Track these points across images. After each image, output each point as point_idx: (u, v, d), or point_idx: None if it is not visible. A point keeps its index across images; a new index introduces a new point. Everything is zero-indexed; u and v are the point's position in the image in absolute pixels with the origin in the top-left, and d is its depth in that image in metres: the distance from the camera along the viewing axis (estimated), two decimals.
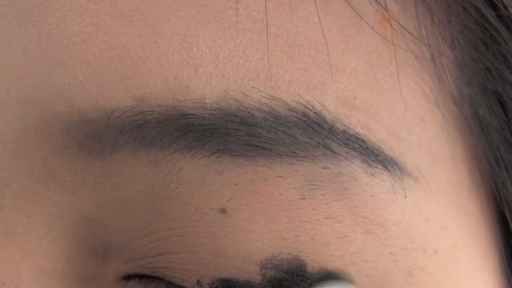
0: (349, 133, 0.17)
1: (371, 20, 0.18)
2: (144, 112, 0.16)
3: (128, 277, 0.18)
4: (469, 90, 0.19)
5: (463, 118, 0.19)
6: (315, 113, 0.16)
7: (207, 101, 0.16)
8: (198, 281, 0.17)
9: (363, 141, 0.17)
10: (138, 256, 0.18)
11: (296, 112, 0.16)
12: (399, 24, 0.18)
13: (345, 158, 0.17)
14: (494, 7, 0.19)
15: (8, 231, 0.18)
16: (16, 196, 0.18)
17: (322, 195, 0.17)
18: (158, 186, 0.17)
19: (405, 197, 0.18)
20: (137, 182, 0.17)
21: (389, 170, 0.17)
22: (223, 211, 0.17)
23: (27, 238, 0.18)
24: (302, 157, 0.16)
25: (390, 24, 0.17)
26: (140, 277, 0.18)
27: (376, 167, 0.17)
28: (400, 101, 0.18)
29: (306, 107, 0.16)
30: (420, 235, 0.18)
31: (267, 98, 0.16)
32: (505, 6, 0.18)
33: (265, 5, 0.16)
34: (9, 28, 0.17)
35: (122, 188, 0.17)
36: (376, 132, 0.17)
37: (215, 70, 0.16)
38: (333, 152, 0.16)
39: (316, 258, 0.17)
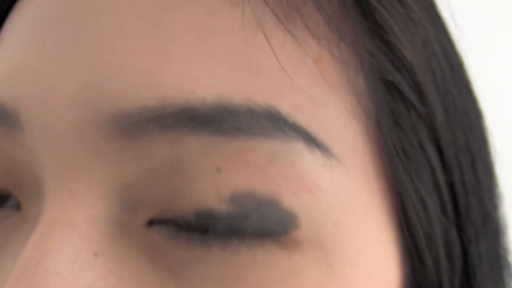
0: (296, 125, 0.25)
1: (314, 57, 0.26)
2: (164, 107, 0.23)
3: (150, 222, 0.25)
4: (375, 107, 0.27)
5: (371, 126, 0.27)
6: (275, 110, 0.24)
7: (206, 100, 0.24)
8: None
9: (305, 131, 0.25)
10: (159, 205, 0.24)
11: (264, 108, 0.24)
12: (330, 60, 0.26)
13: (294, 139, 0.24)
14: (391, 49, 0.27)
15: (71, 190, 0.24)
16: (77, 168, 0.24)
17: (281, 164, 0.24)
18: (174, 156, 0.24)
19: (331, 171, 0.25)
20: (160, 154, 0.24)
21: (321, 151, 0.25)
22: (218, 169, 0.24)
23: (84, 196, 0.24)
24: (267, 136, 0.24)
25: (321, 62, 0.26)
26: (160, 222, 0.24)
27: (313, 148, 0.25)
28: (330, 111, 0.26)
29: (270, 106, 0.24)
30: (343, 199, 0.26)
31: (246, 99, 0.24)
32: (400, 46, 0.27)
33: (245, 46, 0.25)
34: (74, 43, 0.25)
35: (149, 159, 0.24)
36: (313, 128, 0.25)
37: (211, 82, 0.24)
38: (286, 134, 0.24)
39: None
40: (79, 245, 0.24)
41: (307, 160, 0.25)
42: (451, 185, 0.29)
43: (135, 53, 0.24)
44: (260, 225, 0.24)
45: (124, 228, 0.25)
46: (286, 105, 0.25)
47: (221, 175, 0.24)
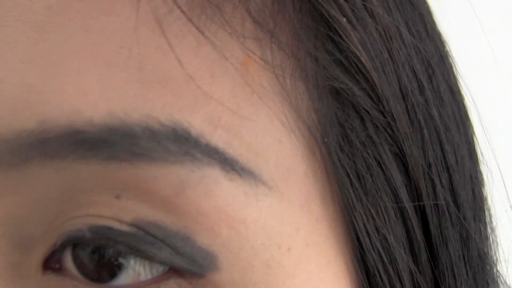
0: (210, 146, 0.21)
1: (237, 61, 0.22)
2: (45, 131, 0.20)
3: (45, 267, 0.22)
4: (320, 120, 0.23)
5: (315, 141, 0.23)
6: (182, 129, 0.20)
7: (95, 120, 0.20)
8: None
9: (222, 153, 0.21)
10: (51, 241, 0.21)
11: (167, 127, 0.20)
12: (259, 65, 0.22)
13: (208, 165, 0.21)
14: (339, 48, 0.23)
15: None
16: None
17: (192, 193, 0.20)
18: (63, 186, 0.21)
19: (258, 201, 0.21)
20: (46, 185, 0.21)
21: (243, 178, 0.21)
22: (118, 197, 0.21)
23: None
24: (173, 162, 0.20)
25: (247, 67, 0.22)
26: (54, 270, 0.22)
27: (233, 174, 0.21)
28: (260, 125, 0.22)
29: (176, 124, 0.20)
30: (275, 234, 0.22)
31: (145, 116, 0.20)
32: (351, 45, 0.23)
33: (146, 50, 0.21)
34: None
35: (35, 191, 0.21)
36: (235, 148, 0.21)
37: (102, 96, 0.20)
38: (197, 159, 0.20)
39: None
40: None
41: (226, 188, 0.21)
42: (420, 207, 0.25)
43: (14, 66, 0.21)
44: (170, 257, 0.21)
45: (18, 271, 0.22)
46: (198, 121, 0.21)
47: (121, 202, 0.21)
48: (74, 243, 0.21)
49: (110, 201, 0.21)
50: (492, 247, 0.30)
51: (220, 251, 0.21)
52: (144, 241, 0.21)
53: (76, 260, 0.22)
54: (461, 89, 0.28)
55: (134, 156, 0.20)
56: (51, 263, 0.22)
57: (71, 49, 0.21)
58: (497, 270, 0.30)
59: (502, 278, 0.30)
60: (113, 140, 0.20)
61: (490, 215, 0.30)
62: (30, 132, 0.20)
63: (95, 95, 0.20)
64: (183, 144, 0.20)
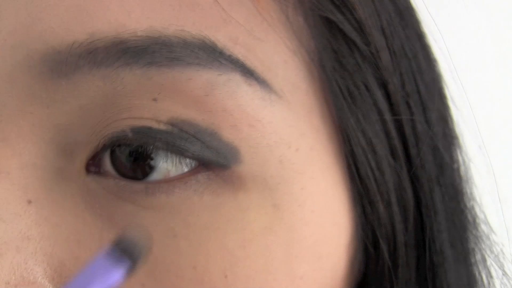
0: (232, 57, 0.24)
1: None
2: (94, 42, 0.23)
3: (88, 170, 0.24)
4: (317, 47, 0.26)
5: (314, 64, 0.26)
6: (210, 41, 0.24)
7: (138, 32, 0.23)
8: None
9: (242, 63, 0.24)
10: (94, 144, 0.24)
11: (198, 39, 0.24)
12: (267, 0, 0.26)
13: (231, 70, 0.24)
14: None
15: (4, 137, 0.24)
16: (9, 112, 0.24)
17: (219, 94, 0.24)
18: (107, 91, 0.23)
19: (272, 105, 0.25)
20: (92, 91, 0.23)
21: (260, 85, 0.25)
22: (155, 100, 0.23)
23: (17, 141, 0.24)
24: (203, 66, 0.23)
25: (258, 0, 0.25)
26: (97, 173, 0.24)
27: (252, 81, 0.24)
28: (270, 46, 0.25)
29: (204, 37, 0.24)
30: (286, 135, 0.25)
31: (179, 30, 0.23)
32: None
33: None
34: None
35: (82, 98, 0.23)
36: (252, 61, 0.25)
37: (142, 15, 0.23)
38: (223, 65, 0.24)
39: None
40: (12, 192, 0.23)
41: (246, 92, 0.24)
42: (400, 129, 0.29)
43: None
44: (200, 150, 0.24)
45: (61, 174, 0.24)
46: (222, 37, 0.24)
47: (158, 104, 0.24)
48: (117, 143, 0.24)
49: (149, 104, 0.24)
50: (467, 185, 0.33)
51: (242, 146, 0.24)
52: (179, 137, 0.24)
53: (114, 162, 0.25)
54: (429, 41, 0.33)
55: (171, 61, 0.23)
56: (91, 167, 0.25)
57: None
58: (476, 216, 0.34)
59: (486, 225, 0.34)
60: (154, 48, 0.23)
61: (463, 155, 0.34)
62: (81, 43, 0.23)
63: (137, 13, 0.23)
64: (211, 53, 0.24)
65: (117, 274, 0.21)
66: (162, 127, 0.24)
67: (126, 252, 0.21)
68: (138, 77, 0.23)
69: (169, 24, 0.24)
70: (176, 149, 0.24)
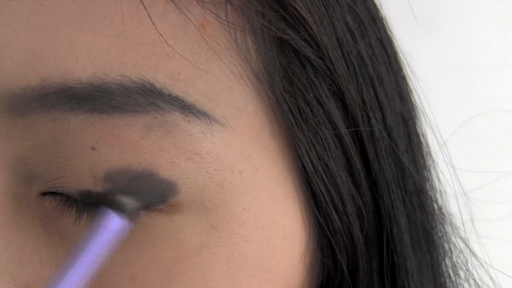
0: (171, 96, 0.25)
1: (197, 23, 0.26)
2: (45, 87, 0.24)
3: (44, 193, 0.26)
4: (266, 68, 0.27)
5: (262, 85, 0.27)
6: (149, 83, 0.25)
7: (83, 79, 0.24)
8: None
9: (182, 100, 0.25)
10: (48, 179, 0.26)
11: (137, 84, 0.25)
12: (215, 24, 0.26)
13: (169, 111, 0.25)
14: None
15: None
16: None
17: (156, 135, 0.25)
18: (57, 134, 0.25)
19: (213, 136, 0.26)
20: (45, 133, 0.25)
21: (199, 119, 0.26)
22: (93, 148, 0.25)
23: None
24: (140, 111, 0.25)
25: (204, 27, 0.26)
26: (51, 193, 0.26)
27: (191, 117, 0.25)
28: (213, 76, 0.26)
29: (144, 80, 0.25)
30: (228, 161, 0.26)
31: (119, 76, 0.25)
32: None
33: (123, 19, 0.25)
34: None
35: (37, 138, 0.25)
36: (192, 95, 0.26)
37: (88, 60, 0.25)
38: (160, 107, 0.25)
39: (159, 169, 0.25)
40: None
41: (183, 129, 0.26)
42: (358, 137, 0.30)
43: (19, 33, 0.25)
44: (136, 198, 0.25)
45: (21, 200, 0.26)
46: (162, 76, 0.26)
47: (96, 154, 0.25)
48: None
49: (88, 154, 0.25)
50: (431, 184, 0.34)
51: (179, 179, 0.26)
52: (116, 194, 0.25)
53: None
54: (394, 46, 0.33)
55: (111, 108, 0.25)
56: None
57: (64, 19, 0.25)
58: (443, 213, 0.34)
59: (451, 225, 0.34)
60: (95, 96, 0.24)
61: (426, 156, 0.34)
62: (33, 88, 0.24)
63: (84, 58, 0.25)
64: (149, 96, 0.25)
65: None
66: (99, 189, 0.25)
67: None
68: (81, 122, 0.25)
69: (111, 69, 0.25)
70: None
